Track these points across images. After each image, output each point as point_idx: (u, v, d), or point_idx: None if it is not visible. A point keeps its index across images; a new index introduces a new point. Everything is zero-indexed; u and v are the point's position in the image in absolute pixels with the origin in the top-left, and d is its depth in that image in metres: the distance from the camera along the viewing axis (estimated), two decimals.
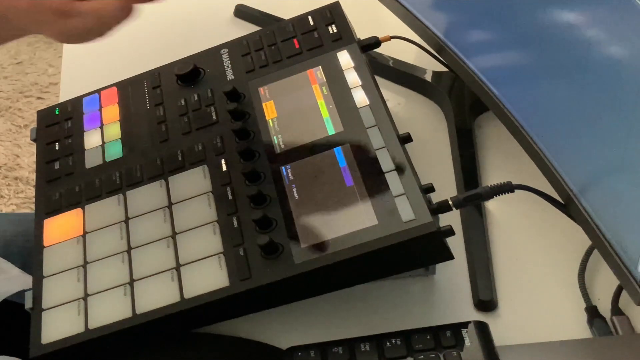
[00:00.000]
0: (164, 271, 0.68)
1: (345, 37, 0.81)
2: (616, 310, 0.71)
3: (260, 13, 1.07)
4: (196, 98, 0.81)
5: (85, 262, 0.71)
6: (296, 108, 0.77)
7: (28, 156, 2.06)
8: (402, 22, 0.92)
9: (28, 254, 0.84)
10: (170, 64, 0.86)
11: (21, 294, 0.77)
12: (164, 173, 0.76)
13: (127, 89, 0.86)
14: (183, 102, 0.81)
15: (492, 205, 0.81)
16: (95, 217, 0.74)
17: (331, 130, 0.73)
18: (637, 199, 0.61)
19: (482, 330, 0.65)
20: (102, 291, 0.69)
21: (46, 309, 0.69)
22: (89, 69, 1.03)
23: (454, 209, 0.68)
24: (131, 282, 0.68)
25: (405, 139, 0.71)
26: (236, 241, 0.68)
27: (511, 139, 0.78)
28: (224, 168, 0.73)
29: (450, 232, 0.65)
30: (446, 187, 0.80)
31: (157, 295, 0.67)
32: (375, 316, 0.72)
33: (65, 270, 0.71)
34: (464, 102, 0.91)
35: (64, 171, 0.79)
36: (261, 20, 1.06)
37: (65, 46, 1.09)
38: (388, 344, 0.64)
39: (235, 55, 0.85)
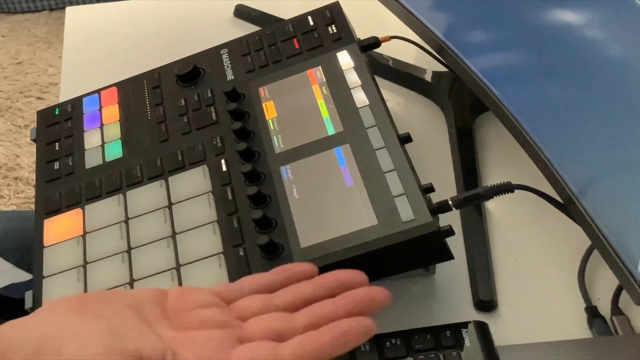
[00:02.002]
0: (164, 271, 0.68)
1: (345, 37, 0.81)
2: (616, 310, 0.71)
3: (260, 13, 1.07)
4: (196, 98, 0.81)
5: (85, 262, 0.71)
6: (296, 108, 0.77)
7: (28, 156, 2.06)
8: (402, 22, 0.92)
9: (24, 250, 0.84)
10: (170, 64, 0.86)
11: (11, 287, 0.77)
12: (164, 173, 0.76)
13: (127, 89, 0.86)
14: (183, 102, 0.81)
15: (492, 205, 0.81)
16: (95, 217, 0.74)
17: (331, 130, 0.73)
18: (637, 199, 0.61)
19: (482, 330, 0.66)
20: None
21: None
22: (89, 69, 1.03)
23: (453, 209, 0.68)
24: (131, 282, 0.68)
25: (405, 139, 0.71)
26: (236, 241, 0.68)
27: (511, 139, 0.78)
28: (224, 168, 0.74)
29: (450, 232, 0.65)
30: (446, 187, 0.80)
31: None
32: (375, 316, 0.72)
33: (65, 270, 0.71)
34: (464, 102, 0.91)
35: (64, 171, 0.79)
36: (261, 20, 1.06)
37: (65, 46, 1.09)
38: (388, 344, 0.64)
39: (235, 55, 0.85)
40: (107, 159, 0.79)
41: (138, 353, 0.47)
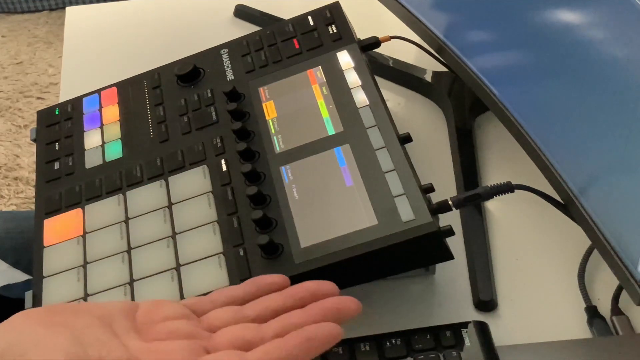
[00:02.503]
0: (164, 271, 0.68)
1: (345, 37, 0.81)
2: (616, 310, 0.71)
3: (260, 13, 1.07)
4: (196, 98, 0.81)
5: (85, 262, 0.71)
6: (296, 108, 0.77)
7: (28, 156, 2.06)
8: (402, 22, 0.92)
9: (22, 251, 0.84)
10: (170, 64, 0.86)
11: (7, 287, 0.77)
12: (164, 173, 0.76)
13: (127, 89, 0.86)
14: (183, 102, 0.81)
15: (492, 205, 0.81)
16: (95, 217, 0.74)
17: (331, 130, 0.73)
18: (637, 199, 0.61)
19: (482, 330, 0.66)
20: (102, 291, 0.68)
21: None
22: (89, 69, 1.03)
23: (453, 209, 0.68)
24: (131, 282, 0.68)
25: (405, 139, 0.71)
26: (236, 241, 0.68)
27: (511, 139, 0.78)
28: (224, 168, 0.74)
29: (450, 232, 0.65)
30: (446, 187, 0.80)
31: (157, 295, 0.67)
32: (375, 316, 0.72)
33: (65, 270, 0.71)
34: (464, 102, 0.91)
35: (64, 171, 0.79)
36: (261, 20, 1.06)
37: (65, 46, 1.09)
38: (388, 344, 0.64)
39: (235, 55, 0.85)
40: (107, 159, 0.79)
41: None
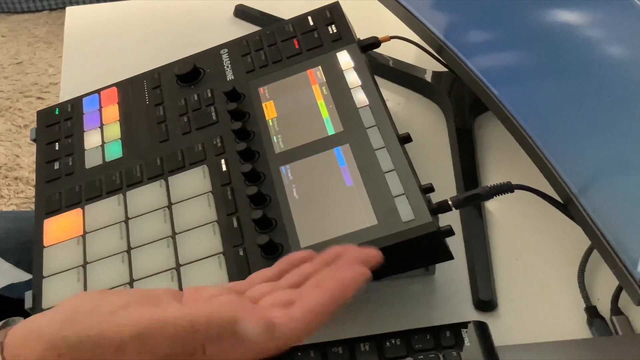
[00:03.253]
0: (164, 271, 0.68)
1: (345, 37, 0.81)
2: (616, 310, 0.71)
3: (260, 13, 1.07)
4: (196, 98, 0.81)
5: (85, 262, 0.71)
6: (296, 108, 0.77)
7: (28, 156, 2.06)
8: (402, 22, 0.92)
9: (24, 250, 0.84)
10: (170, 64, 0.86)
11: (9, 287, 0.77)
12: (164, 173, 0.76)
13: (127, 89, 0.86)
14: (183, 102, 0.81)
15: (492, 205, 0.81)
16: (95, 217, 0.74)
17: (331, 130, 0.73)
18: (637, 199, 0.61)
19: (482, 330, 0.66)
20: None
21: (46, 309, 0.69)
22: (89, 69, 1.03)
23: (453, 209, 0.68)
24: (131, 282, 0.68)
25: (405, 139, 0.71)
26: (236, 241, 0.68)
27: (511, 139, 0.78)
28: (224, 168, 0.74)
29: (450, 232, 0.65)
30: (446, 187, 0.80)
31: None
32: (375, 316, 0.72)
33: (65, 270, 0.71)
34: (464, 102, 0.91)
35: (64, 171, 0.79)
36: (261, 20, 1.06)
37: (65, 46, 1.09)
38: (388, 344, 0.64)
39: (235, 55, 0.85)
40: (107, 159, 0.79)
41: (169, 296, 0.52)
